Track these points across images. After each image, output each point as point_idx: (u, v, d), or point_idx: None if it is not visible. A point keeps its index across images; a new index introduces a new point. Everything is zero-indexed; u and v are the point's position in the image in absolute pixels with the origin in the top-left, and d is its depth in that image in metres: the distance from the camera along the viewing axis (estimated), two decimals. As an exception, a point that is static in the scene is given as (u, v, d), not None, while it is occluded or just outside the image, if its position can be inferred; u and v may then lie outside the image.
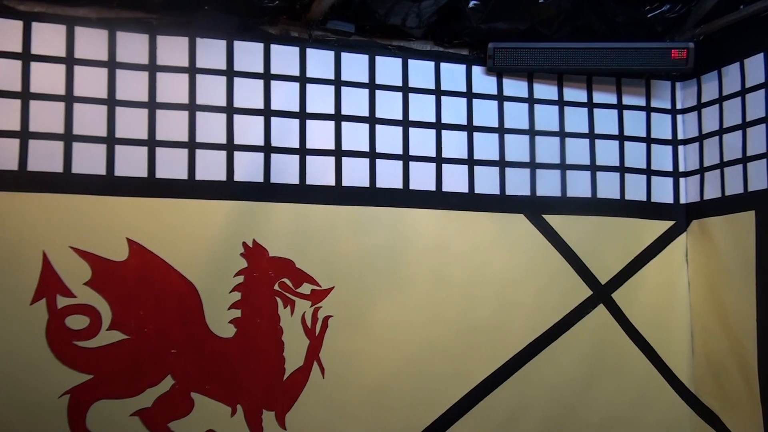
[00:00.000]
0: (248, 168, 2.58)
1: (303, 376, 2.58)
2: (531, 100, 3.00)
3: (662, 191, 3.14)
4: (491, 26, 2.76)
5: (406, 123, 2.80)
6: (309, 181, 2.65)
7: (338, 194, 2.66)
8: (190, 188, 2.50)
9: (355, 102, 2.74)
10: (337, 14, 2.64)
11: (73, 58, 2.42)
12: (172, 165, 2.49)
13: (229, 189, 2.55)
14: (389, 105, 2.79)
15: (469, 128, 2.89)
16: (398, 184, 2.76)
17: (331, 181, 2.68)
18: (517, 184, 2.93)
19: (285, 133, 2.64)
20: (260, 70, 2.64)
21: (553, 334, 2.91)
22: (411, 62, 2.83)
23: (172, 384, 2.43)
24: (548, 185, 2.98)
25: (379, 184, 2.74)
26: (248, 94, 2.61)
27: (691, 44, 2.85)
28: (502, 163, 2.92)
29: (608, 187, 3.06)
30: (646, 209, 3.10)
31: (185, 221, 2.47)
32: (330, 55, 2.73)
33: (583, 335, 2.94)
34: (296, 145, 2.65)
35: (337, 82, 2.73)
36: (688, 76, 3.10)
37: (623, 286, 3.02)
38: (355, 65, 2.76)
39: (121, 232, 2.41)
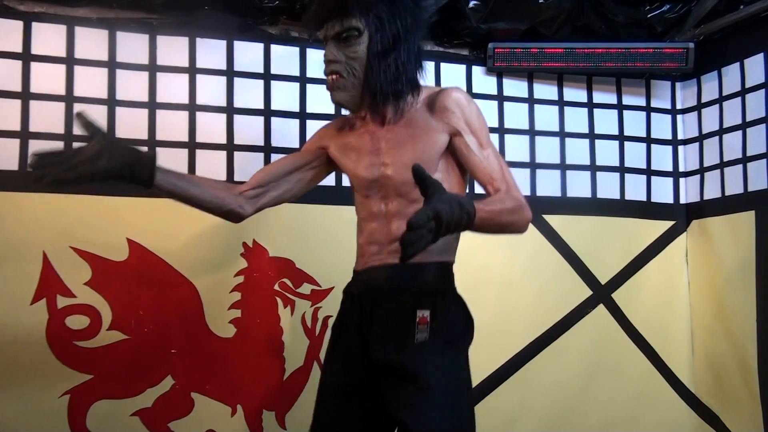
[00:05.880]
0: (248, 168, 2.57)
1: (303, 376, 2.57)
2: (531, 100, 3.00)
3: (662, 191, 3.14)
4: (491, 26, 2.76)
5: (406, 123, 2.80)
6: (309, 181, 2.65)
7: (338, 194, 2.66)
8: (190, 188, 2.50)
9: (355, 102, 2.74)
10: (338, 14, 2.64)
11: (73, 58, 2.41)
12: (172, 165, 2.45)
13: (229, 189, 2.55)
14: (389, 105, 2.78)
15: (469, 128, 2.89)
16: (398, 184, 2.76)
17: (331, 181, 2.68)
18: (517, 184, 2.92)
19: (285, 133, 2.64)
20: (260, 70, 2.64)
21: (553, 334, 2.91)
22: (411, 62, 2.82)
23: (172, 384, 2.42)
24: (548, 185, 2.97)
25: (379, 184, 2.73)
26: (248, 94, 2.61)
27: (691, 44, 2.85)
28: (502, 163, 2.92)
29: (608, 187, 3.06)
30: (646, 209, 3.10)
31: (185, 221, 2.46)
32: (330, 55, 2.73)
33: (583, 335, 2.94)
34: (296, 145, 2.64)
35: (338, 82, 2.72)
36: (688, 76, 3.10)
37: (623, 286, 3.02)
38: (355, 65, 2.75)
39: (121, 232, 2.41)
